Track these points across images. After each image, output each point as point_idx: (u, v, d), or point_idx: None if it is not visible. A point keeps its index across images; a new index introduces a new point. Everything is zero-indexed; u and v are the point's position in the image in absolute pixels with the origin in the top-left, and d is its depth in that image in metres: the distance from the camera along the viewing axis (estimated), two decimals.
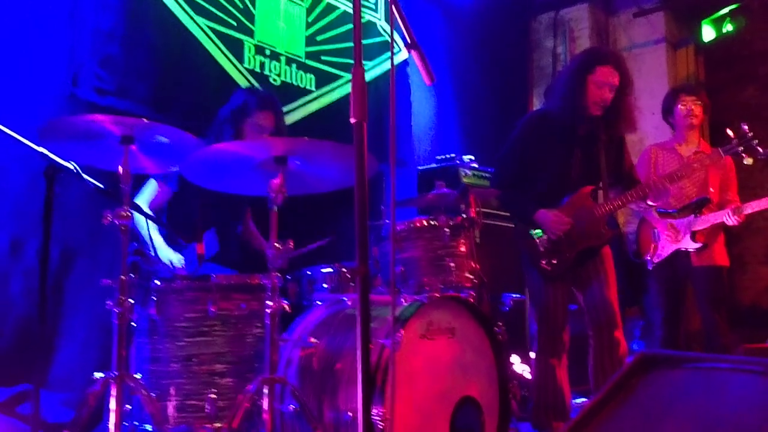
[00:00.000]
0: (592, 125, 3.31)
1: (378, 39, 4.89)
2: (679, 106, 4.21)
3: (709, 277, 4.05)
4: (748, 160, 3.60)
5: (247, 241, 3.48)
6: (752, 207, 3.83)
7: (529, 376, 4.10)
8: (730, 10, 5.77)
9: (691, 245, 3.95)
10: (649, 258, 4.09)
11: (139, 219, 2.81)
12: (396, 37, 4.37)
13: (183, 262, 2.86)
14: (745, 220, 3.86)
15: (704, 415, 1.49)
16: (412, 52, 1.73)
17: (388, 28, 1.57)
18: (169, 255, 2.90)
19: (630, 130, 3.43)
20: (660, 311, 4.21)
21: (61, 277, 3.30)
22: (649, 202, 3.37)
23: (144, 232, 2.87)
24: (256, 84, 4.10)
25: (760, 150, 3.46)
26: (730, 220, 3.84)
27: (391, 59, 1.61)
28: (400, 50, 4.78)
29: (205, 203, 2.99)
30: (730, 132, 3.55)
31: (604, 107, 3.24)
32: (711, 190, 4.08)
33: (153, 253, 2.69)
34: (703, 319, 4.16)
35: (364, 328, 1.35)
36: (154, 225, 2.91)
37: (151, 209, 3.10)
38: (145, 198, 3.12)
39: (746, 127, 3.46)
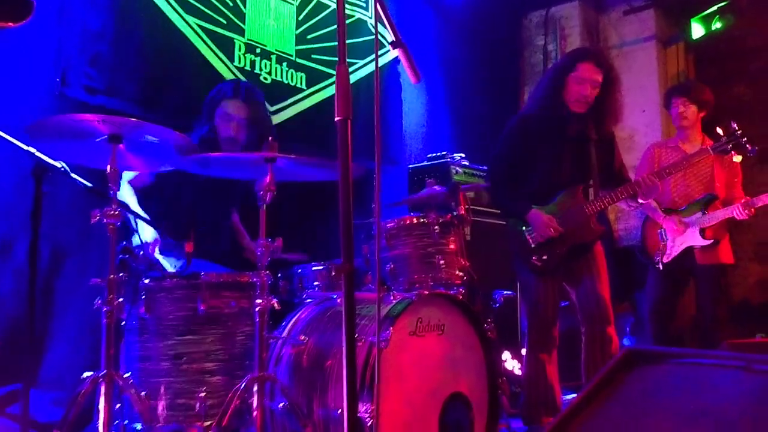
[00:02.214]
0: (582, 124, 3.33)
1: (368, 37, 4.89)
2: (671, 108, 4.25)
3: (714, 275, 4.10)
4: (737, 158, 3.65)
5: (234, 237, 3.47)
6: (763, 200, 3.86)
7: (520, 372, 4.11)
8: (718, 8, 5.80)
9: (700, 241, 3.99)
10: (659, 258, 4.11)
11: (125, 195, 2.84)
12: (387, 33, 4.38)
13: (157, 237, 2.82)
14: (755, 213, 3.88)
15: (688, 410, 1.50)
16: (398, 50, 1.73)
17: (383, 19, 1.58)
18: (149, 236, 2.85)
19: (615, 122, 3.46)
20: (651, 304, 4.25)
21: (52, 276, 3.29)
22: (640, 200, 3.39)
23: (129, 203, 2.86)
24: None
25: (749, 147, 3.48)
26: (741, 214, 3.87)
27: (376, 59, 1.61)
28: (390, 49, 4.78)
29: (193, 201, 3.00)
30: (719, 130, 3.58)
31: (587, 104, 3.26)
32: (717, 186, 4.10)
33: (135, 227, 2.67)
34: (704, 314, 4.19)
35: (349, 325, 1.36)
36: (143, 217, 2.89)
37: (134, 186, 3.08)
38: (127, 176, 3.09)
39: (735, 125, 3.49)
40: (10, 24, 2.05)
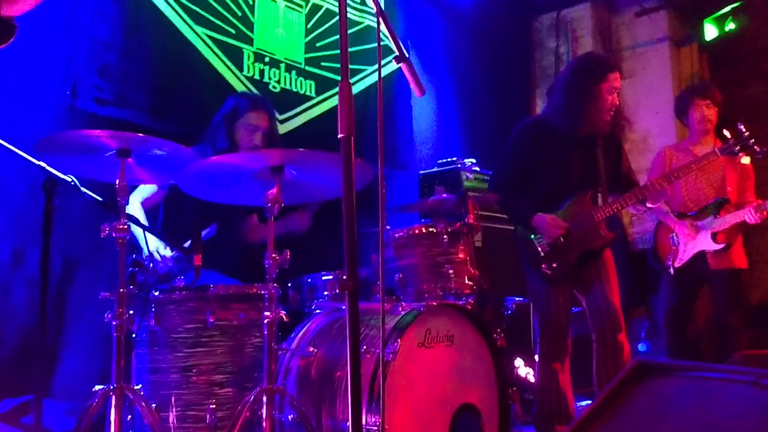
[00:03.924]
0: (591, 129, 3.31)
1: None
2: (693, 110, 4.18)
3: (728, 280, 4.05)
4: (745, 159, 3.62)
5: (251, 243, 3.47)
6: None
7: (533, 380, 4.09)
8: (732, 9, 5.74)
9: (712, 246, 3.95)
10: (670, 263, 4.08)
11: (136, 213, 2.89)
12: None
13: (173, 254, 2.83)
14: (767, 217, 3.83)
15: (695, 424, 1.49)
16: (402, 64, 1.73)
17: (386, 33, 1.58)
18: (160, 250, 2.86)
19: (626, 128, 3.45)
20: (665, 310, 4.21)
21: (64, 287, 3.32)
22: (648, 204, 3.36)
23: (137, 231, 2.88)
24: (255, 91, 4.11)
25: (757, 149, 3.44)
26: (752, 218, 3.81)
27: (379, 71, 1.61)
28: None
29: (202, 213, 3.00)
30: (726, 132, 3.54)
31: (612, 113, 3.25)
32: (729, 189, 4.06)
33: (147, 250, 2.69)
34: (719, 320, 4.14)
35: (354, 343, 1.36)
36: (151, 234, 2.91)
37: (144, 207, 3.12)
38: (140, 196, 3.13)
39: (742, 126, 3.45)
40: None
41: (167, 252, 2.80)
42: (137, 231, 2.85)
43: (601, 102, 3.21)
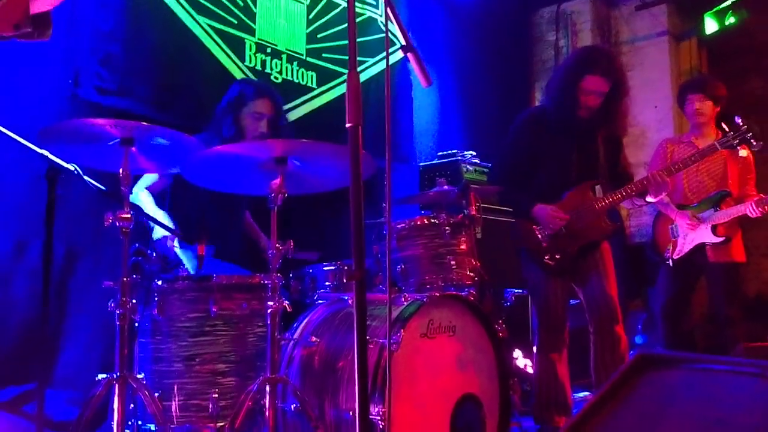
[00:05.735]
0: (591, 120, 3.31)
1: (378, 35, 4.89)
2: (687, 104, 4.21)
3: (726, 274, 4.07)
4: (743, 152, 3.64)
5: (247, 236, 3.49)
6: None
7: (531, 371, 4.11)
8: (732, 3, 5.74)
9: (712, 238, 3.97)
10: (669, 255, 4.09)
11: (144, 201, 2.90)
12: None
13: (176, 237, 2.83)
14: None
15: (701, 416, 1.49)
16: (409, 54, 1.73)
17: (393, 22, 1.58)
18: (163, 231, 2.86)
19: (621, 133, 3.44)
20: (663, 301, 4.23)
21: (66, 276, 3.32)
22: (649, 198, 3.37)
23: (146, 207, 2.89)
24: None
25: (754, 142, 3.46)
26: (754, 212, 3.83)
27: (387, 60, 1.61)
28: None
29: (205, 201, 3.01)
30: (724, 126, 3.57)
31: (590, 111, 3.25)
32: (730, 182, 4.08)
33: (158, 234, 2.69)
34: (717, 313, 4.16)
35: (361, 333, 1.36)
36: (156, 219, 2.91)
37: (151, 192, 3.12)
38: (145, 183, 3.13)
39: (740, 120, 3.47)
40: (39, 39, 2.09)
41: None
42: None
43: (575, 98, 3.22)
